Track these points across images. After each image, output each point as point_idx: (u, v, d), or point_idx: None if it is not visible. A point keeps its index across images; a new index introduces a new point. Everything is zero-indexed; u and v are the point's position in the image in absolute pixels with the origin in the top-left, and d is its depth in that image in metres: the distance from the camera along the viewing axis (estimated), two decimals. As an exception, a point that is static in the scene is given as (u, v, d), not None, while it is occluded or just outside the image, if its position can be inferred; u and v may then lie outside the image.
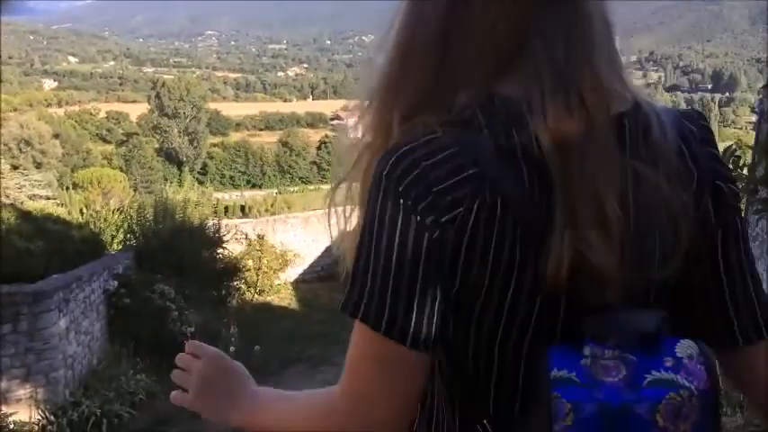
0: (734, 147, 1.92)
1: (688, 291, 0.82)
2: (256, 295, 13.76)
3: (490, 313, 0.74)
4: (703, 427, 0.70)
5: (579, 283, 0.71)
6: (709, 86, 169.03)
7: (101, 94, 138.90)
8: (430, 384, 0.80)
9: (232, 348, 6.43)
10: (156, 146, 74.27)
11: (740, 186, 1.98)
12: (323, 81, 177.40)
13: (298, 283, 16.42)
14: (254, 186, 79.78)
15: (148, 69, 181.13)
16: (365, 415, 0.75)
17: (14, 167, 31.81)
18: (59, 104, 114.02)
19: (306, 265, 16.83)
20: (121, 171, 50.95)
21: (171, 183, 14.82)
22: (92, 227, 12.79)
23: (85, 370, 8.33)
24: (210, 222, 12.39)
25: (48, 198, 26.55)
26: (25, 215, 10.44)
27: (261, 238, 15.41)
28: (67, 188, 34.86)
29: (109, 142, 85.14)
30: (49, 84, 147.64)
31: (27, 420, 7.04)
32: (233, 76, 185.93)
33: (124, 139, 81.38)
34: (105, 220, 14.26)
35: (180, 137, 73.82)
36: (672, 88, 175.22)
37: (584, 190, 0.70)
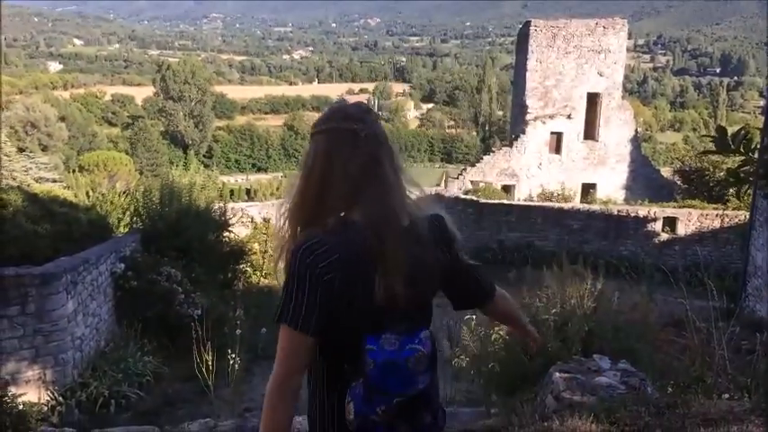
0: (743, 131, 1.90)
1: (454, 289, 1.88)
2: (262, 278, 13.80)
3: (344, 317, 1.61)
4: (429, 369, 1.61)
5: (387, 302, 1.59)
6: (718, 70, 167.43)
7: (106, 76, 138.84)
8: (315, 354, 1.66)
9: (238, 331, 6.45)
10: (162, 129, 74.15)
11: (750, 170, 1.96)
12: (328, 64, 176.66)
13: (303, 267, 16.41)
14: (259, 170, 79.78)
15: (153, 52, 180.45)
16: (287, 373, 1.62)
17: (21, 150, 31.82)
18: (65, 87, 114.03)
19: (311, 249, 16.83)
20: (127, 154, 51.08)
21: (176, 166, 14.79)
22: (98, 210, 12.83)
23: (93, 351, 8.38)
24: (216, 206, 12.38)
25: (54, 181, 26.64)
26: (32, 198, 10.46)
27: (267, 221, 15.45)
28: (74, 171, 34.99)
29: (114, 125, 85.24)
30: (54, 66, 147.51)
31: (36, 401, 7.09)
32: (238, 58, 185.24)
33: (130, 122, 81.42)
34: (111, 203, 14.29)
35: (185, 120, 73.69)
36: (680, 72, 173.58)
37: (390, 258, 1.58)
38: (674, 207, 19.28)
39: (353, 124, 1.64)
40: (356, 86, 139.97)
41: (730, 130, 1.87)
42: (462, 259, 1.82)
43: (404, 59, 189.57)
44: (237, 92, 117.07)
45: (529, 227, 19.01)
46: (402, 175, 1.69)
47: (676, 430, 3.08)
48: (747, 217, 17.18)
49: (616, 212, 18.80)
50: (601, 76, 23.83)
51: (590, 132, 24.30)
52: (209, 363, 5.97)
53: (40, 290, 7.20)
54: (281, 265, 1.67)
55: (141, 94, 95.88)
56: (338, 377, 1.65)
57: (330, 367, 1.67)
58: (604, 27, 23.75)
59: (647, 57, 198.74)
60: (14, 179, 22.97)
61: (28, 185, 20.01)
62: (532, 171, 24.05)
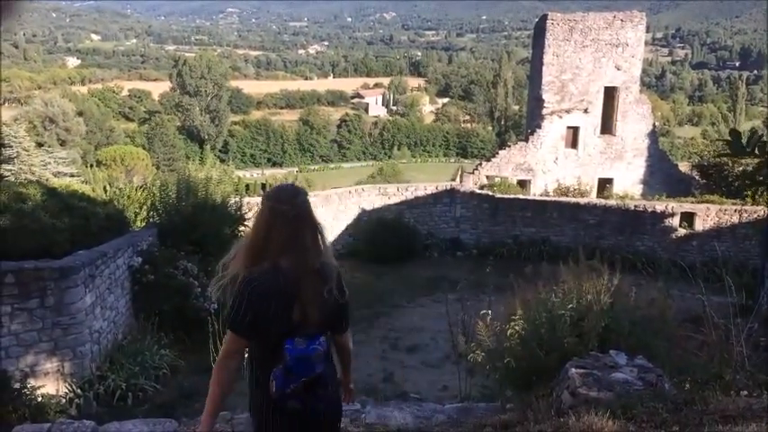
0: (756, 133, 1.87)
1: (335, 316, 2.68)
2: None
3: (273, 327, 2.47)
4: (324, 359, 2.56)
5: (301, 318, 2.50)
6: (737, 64, 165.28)
7: (123, 72, 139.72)
8: (249, 351, 2.62)
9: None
10: (178, 124, 74.69)
11: (766, 172, 1.93)
12: (343, 59, 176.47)
13: (318, 261, 16.44)
14: (274, 164, 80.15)
15: (170, 47, 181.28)
16: (227, 356, 2.55)
17: (39, 145, 32.13)
18: (83, 82, 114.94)
19: (326, 243, 16.85)
20: (144, 149, 51.50)
21: (193, 160, 14.82)
22: (116, 204, 12.93)
23: (111, 344, 8.46)
24: (232, 200, 12.42)
25: (72, 175, 26.92)
26: (51, 192, 10.55)
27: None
28: (91, 166, 35.32)
29: (131, 120, 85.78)
30: (72, 62, 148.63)
31: (54, 393, 7.18)
32: (254, 53, 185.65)
33: (146, 116, 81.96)
34: (128, 197, 14.40)
35: (201, 115, 74.15)
36: (698, 65, 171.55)
37: (303, 292, 2.50)
38: (692, 202, 19.08)
39: (284, 206, 2.53)
40: (371, 81, 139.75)
41: (748, 126, 1.85)
42: (345, 301, 2.67)
43: (419, 54, 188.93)
44: (253, 87, 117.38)
45: (544, 222, 18.90)
46: (320, 236, 2.60)
47: (694, 427, 3.05)
48: (766, 212, 17.01)
49: (633, 207, 18.64)
50: (618, 69, 23.59)
51: (607, 127, 24.07)
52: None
53: (59, 283, 7.27)
54: (223, 283, 2.61)
55: (158, 89, 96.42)
56: (267, 364, 2.49)
57: (262, 357, 2.53)
58: (622, 20, 23.50)
59: (666, 50, 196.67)
60: (33, 173, 23.23)
61: (47, 180, 20.22)
62: (548, 166, 23.87)
